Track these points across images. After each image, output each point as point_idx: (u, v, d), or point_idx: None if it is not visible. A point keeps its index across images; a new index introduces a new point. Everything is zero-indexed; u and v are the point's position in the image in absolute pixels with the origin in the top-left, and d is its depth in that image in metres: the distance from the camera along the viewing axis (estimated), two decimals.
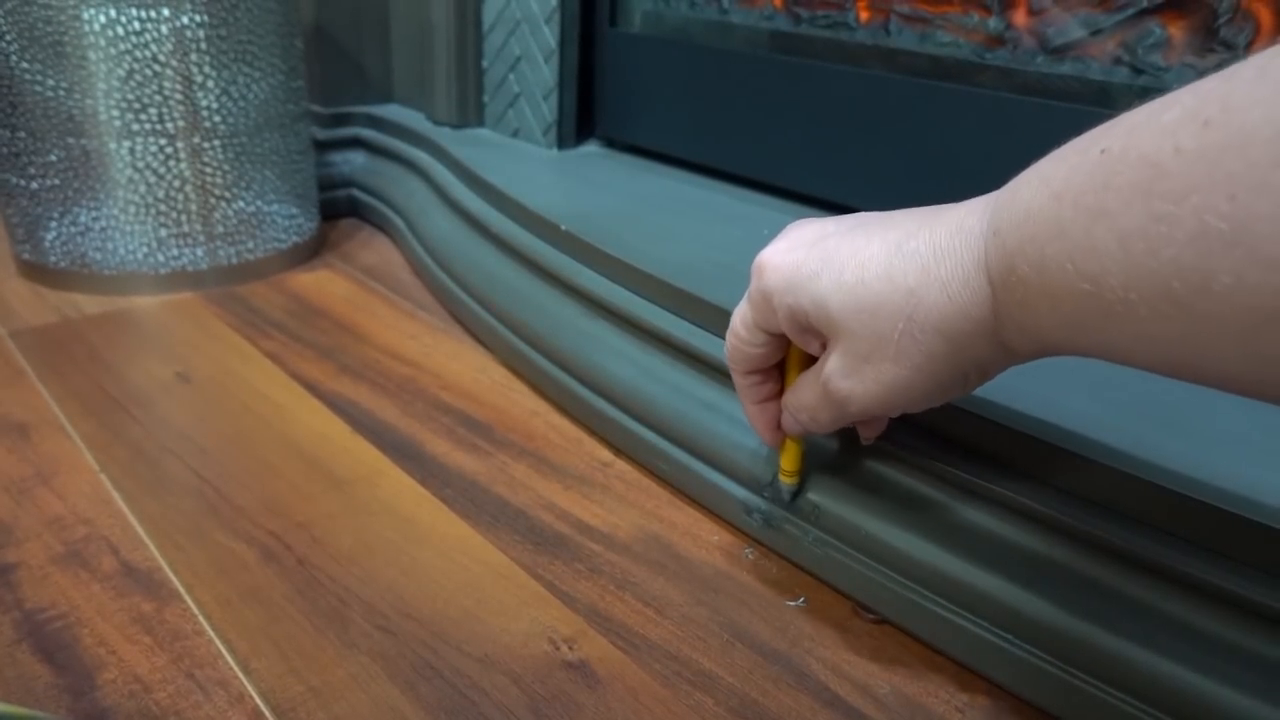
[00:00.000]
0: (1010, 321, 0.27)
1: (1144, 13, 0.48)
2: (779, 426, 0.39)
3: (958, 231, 0.28)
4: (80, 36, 0.65)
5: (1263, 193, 0.19)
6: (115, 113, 0.67)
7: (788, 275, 0.32)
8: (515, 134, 0.83)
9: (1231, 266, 0.20)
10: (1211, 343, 0.21)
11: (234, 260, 0.75)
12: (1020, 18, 0.53)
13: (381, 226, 0.89)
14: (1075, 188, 0.23)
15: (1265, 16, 0.44)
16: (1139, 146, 0.22)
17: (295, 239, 0.79)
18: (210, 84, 0.70)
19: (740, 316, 0.36)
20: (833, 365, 0.32)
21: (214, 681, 0.35)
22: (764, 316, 0.34)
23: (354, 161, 0.93)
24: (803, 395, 0.35)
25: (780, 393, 0.38)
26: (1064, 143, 0.25)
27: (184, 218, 0.72)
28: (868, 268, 0.30)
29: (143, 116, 0.68)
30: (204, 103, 0.70)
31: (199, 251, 0.73)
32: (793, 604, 0.41)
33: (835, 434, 0.42)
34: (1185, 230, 0.20)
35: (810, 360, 0.36)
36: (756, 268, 0.34)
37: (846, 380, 0.32)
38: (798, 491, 0.42)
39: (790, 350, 0.37)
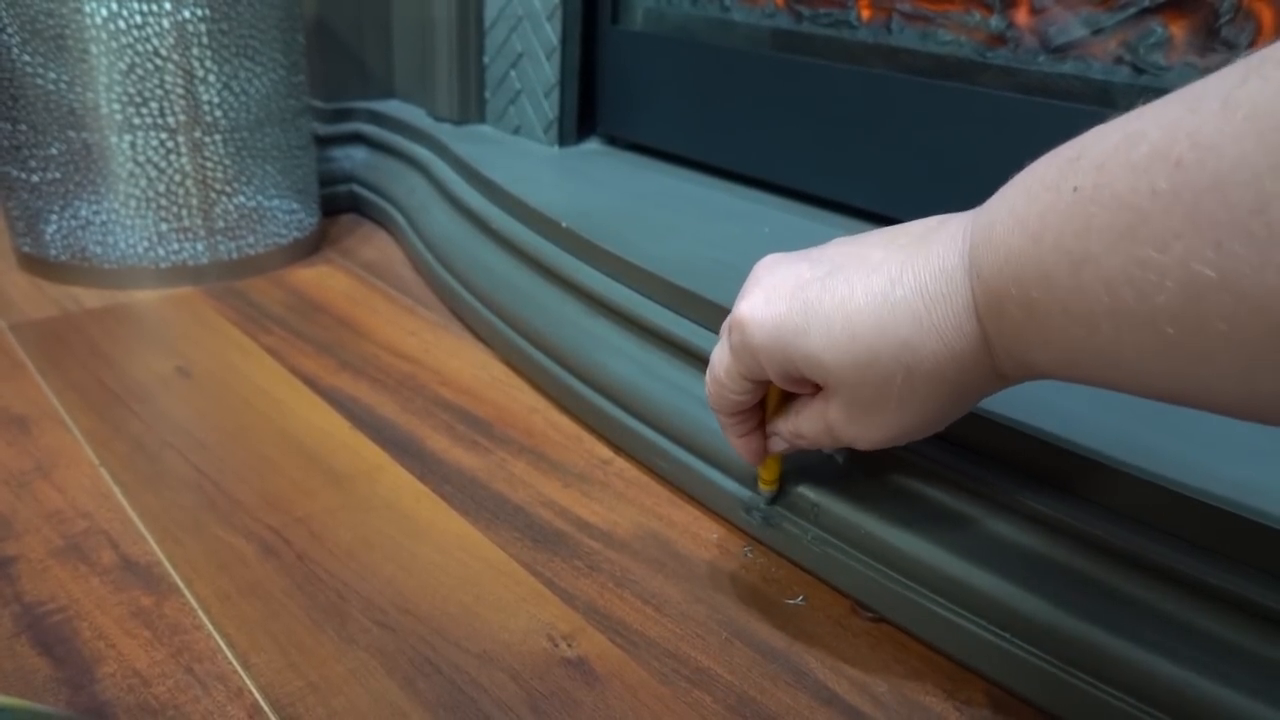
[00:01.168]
0: (1004, 355, 0.27)
1: (1145, 12, 0.48)
2: (764, 451, 0.39)
3: (941, 273, 0.28)
4: (82, 30, 0.65)
5: (1247, 240, 0.19)
6: (116, 106, 0.67)
7: (772, 332, 0.32)
8: (516, 131, 0.83)
9: (1224, 312, 0.20)
10: (1207, 379, 0.21)
11: (234, 255, 0.75)
12: (1022, 17, 0.53)
13: (382, 222, 0.89)
14: (1054, 229, 0.23)
15: (1266, 16, 0.44)
16: (1112, 186, 0.21)
17: (296, 234, 0.79)
18: (211, 78, 0.70)
19: (723, 367, 0.35)
20: (836, 414, 0.32)
21: (213, 676, 0.35)
22: (749, 369, 0.34)
23: (355, 157, 0.93)
24: (803, 428, 0.35)
25: (761, 423, 0.38)
26: (1053, 146, 0.25)
27: (184, 212, 0.72)
28: (856, 320, 0.29)
29: (144, 110, 0.68)
30: (205, 97, 0.70)
31: (199, 246, 0.73)
32: (791, 602, 0.41)
33: None
34: (1174, 278, 0.20)
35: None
36: (737, 325, 0.33)
37: (852, 428, 0.32)
38: (777, 495, 0.43)
39: (771, 386, 0.37)
